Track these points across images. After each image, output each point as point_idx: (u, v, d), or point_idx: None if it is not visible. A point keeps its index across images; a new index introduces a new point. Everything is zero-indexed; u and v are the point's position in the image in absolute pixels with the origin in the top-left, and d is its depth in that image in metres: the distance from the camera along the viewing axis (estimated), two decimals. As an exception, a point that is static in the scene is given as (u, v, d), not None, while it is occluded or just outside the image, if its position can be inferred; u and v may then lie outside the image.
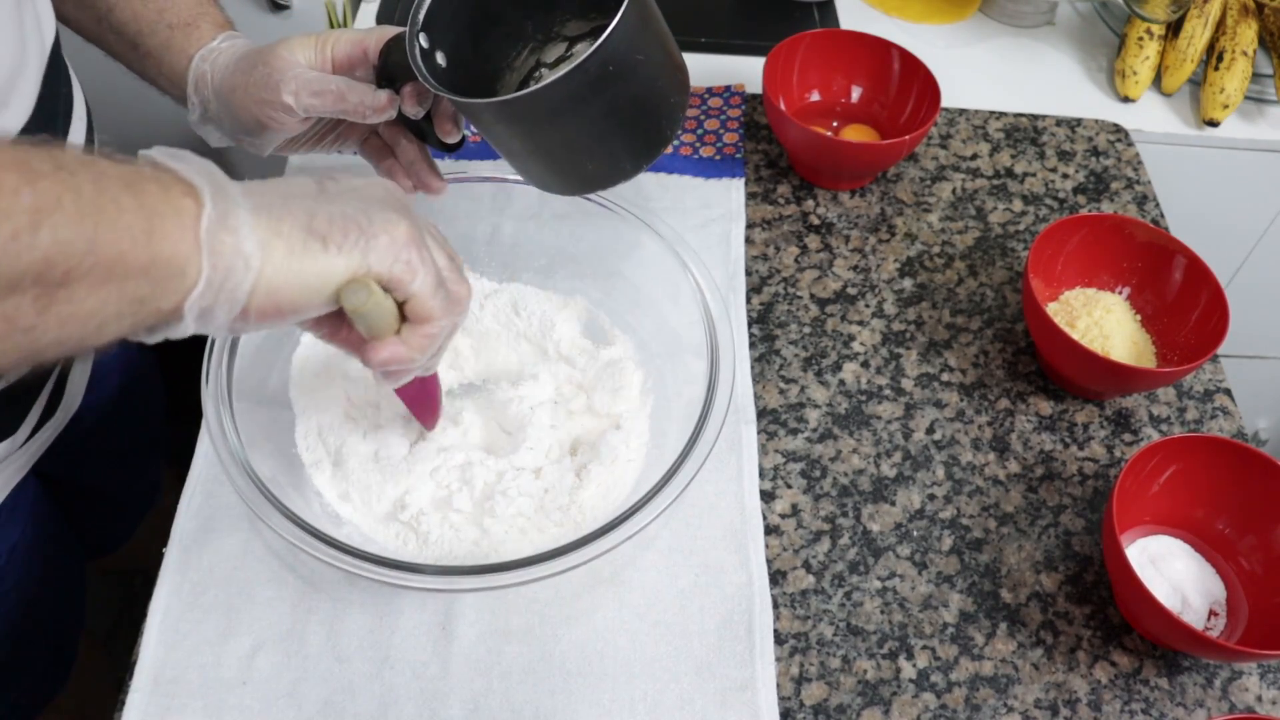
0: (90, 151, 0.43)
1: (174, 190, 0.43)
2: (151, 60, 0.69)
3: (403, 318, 0.52)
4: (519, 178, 0.69)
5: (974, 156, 1.01)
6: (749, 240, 0.91)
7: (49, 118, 0.63)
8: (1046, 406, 0.82)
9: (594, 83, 0.57)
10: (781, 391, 0.81)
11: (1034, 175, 1.00)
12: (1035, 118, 1.06)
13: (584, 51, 0.55)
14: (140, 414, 0.98)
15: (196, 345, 0.58)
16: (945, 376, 0.83)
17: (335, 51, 0.65)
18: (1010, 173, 1.00)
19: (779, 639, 0.68)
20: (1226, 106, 1.08)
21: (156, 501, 1.10)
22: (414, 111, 0.64)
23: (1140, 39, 1.10)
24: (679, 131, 0.88)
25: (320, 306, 0.49)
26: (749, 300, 0.87)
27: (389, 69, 0.64)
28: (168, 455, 1.10)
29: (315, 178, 0.51)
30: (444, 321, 0.53)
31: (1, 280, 0.37)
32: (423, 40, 0.62)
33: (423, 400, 0.67)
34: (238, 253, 0.44)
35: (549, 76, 0.56)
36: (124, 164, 0.43)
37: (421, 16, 0.62)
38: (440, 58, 0.63)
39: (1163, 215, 0.98)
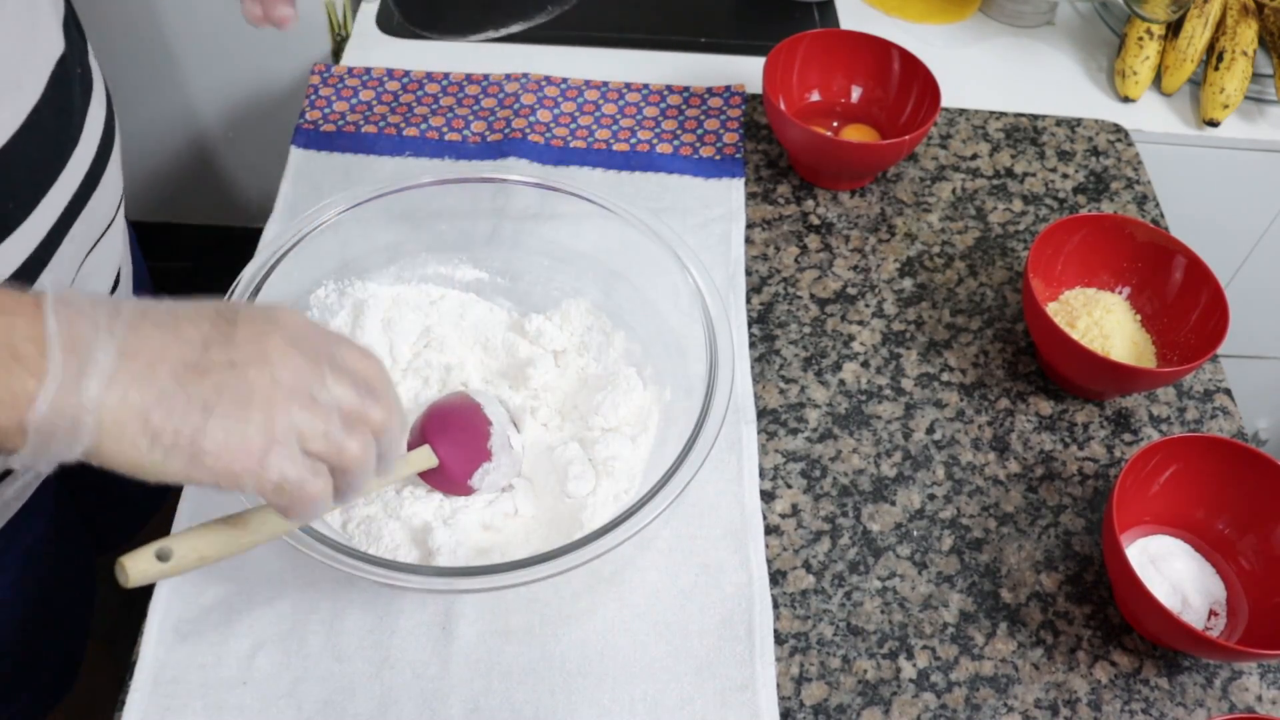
0: None
1: (16, 370, 0.41)
2: None
3: None
4: (519, 177, 0.67)
5: (974, 156, 1.01)
6: (749, 240, 0.91)
7: (43, 135, 0.62)
8: (1046, 406, 0.82)
9: None
10: (781, 391, 0.81)
11: (1034, 175, 1.00)
12: (1035, 118, 1.06)
13: None
14: None
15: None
16: (945, 376, 0.83)
17: None
18: (1010, 173, 1.00)
19: (779, 639, 0.68)
20: (1226, 106, 1.08)
21: (166, 499, 1.10)
22: None
23: (1140, 39, 1.10)
24: None
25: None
26: (749, 300, 0.87)
27: None
28: None
29: (207, 325, 0.47)
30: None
31: None
32: None
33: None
34: (65, 436, 0.42)
35: None
36: None
37: None
38: None
39: (1163, 215, 0.97)
